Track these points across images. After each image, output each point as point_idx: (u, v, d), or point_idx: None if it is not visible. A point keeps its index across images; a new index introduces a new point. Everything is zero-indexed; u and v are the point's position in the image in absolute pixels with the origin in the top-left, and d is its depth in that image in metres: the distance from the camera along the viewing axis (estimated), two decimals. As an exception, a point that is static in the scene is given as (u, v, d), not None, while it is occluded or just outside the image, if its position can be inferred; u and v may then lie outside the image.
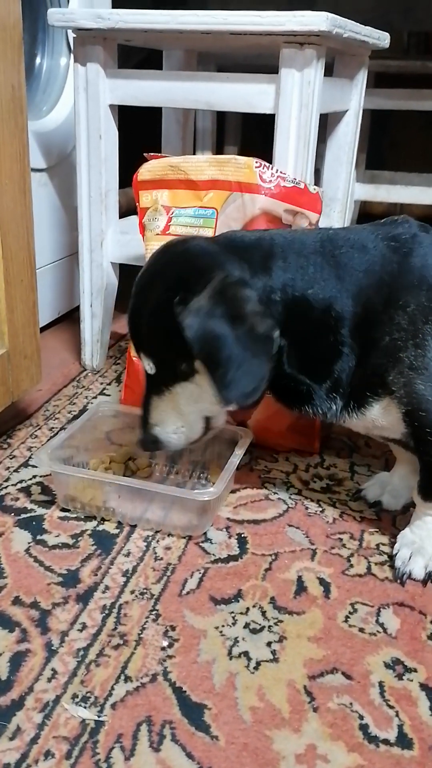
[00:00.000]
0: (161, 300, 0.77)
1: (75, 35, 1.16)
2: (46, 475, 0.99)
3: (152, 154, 1.10)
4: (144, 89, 1.15)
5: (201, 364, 0.77)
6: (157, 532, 0.89)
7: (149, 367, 0.82)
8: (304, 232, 0.85)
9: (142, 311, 0.81)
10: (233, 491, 0.99)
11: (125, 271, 1.34)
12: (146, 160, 1.10)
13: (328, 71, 1.13)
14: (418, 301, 0.76)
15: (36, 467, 1.02)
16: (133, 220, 1.37)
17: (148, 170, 1.08)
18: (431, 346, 0.75)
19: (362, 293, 0.78)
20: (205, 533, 0.89)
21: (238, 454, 0.93)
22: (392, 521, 0.94)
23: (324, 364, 0.79)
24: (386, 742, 0.63)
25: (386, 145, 2.61)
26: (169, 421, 0.84)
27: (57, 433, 1.12)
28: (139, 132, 1.58)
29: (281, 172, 1.01)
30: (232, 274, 0.76)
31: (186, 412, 0.83)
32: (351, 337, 0.77)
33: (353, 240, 0.80)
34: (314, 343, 0.79)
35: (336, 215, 1.38)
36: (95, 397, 1.25)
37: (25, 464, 1.03)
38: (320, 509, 0.96)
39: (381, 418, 0.80)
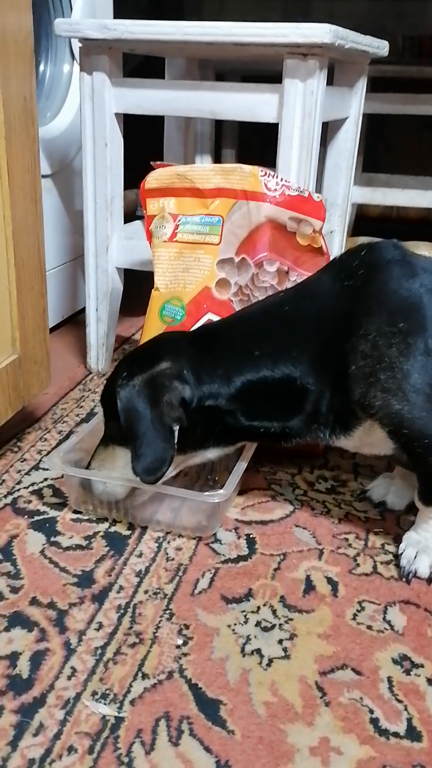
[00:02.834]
0: (117, 375, 0.87)
1: (81, 45, 1.18)
2: (57, 478, 1.01)
3: (158, 162, 1.12)
4: (149, 98, 1.18)
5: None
6: (167, 533, 0.91)
7: (104, 423, 0.91)
8: (251, 310, 0.93)
9: (109, 379, 0.90)
10: (240, 492, 1.01)
11: (129, 275, 1.37)
12: (149, 166, 1.13)
13: (329, 79, 1.16)
14: (378, 328, 0.79)
15: (47, 470, 1.04)
16: (138, 225, 1.39)
17: (155, 178, 1.10)
18: (401, 367, 0.77)
19: (316, 334, 0.83)
20: (214, 534, 0.92)
21: (246, 457, 0.95)
22: (396, 521, 0.96)
23: (289, 405, 0.84)
24: (396, 734, 0.65)
25: (381, 148, 2.65)
26: (105, 471, 0.91)
27: (66, 437, 1.14)
28: (140, 136, 1.60)
29: (286, 181, 1.03)
30: (175, 366, 0.84)
31: (116, 469, 0.89)
32: (315, 374, 0.82)
33: (301, 292, 0.88)
34: (272, 395, 0.84)
35: (336, 220, 1.41)
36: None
37: (36, 467, 1.05)
38: (326, 510, 0.98)
39: (367, 438, 0.84)
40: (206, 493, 0.91)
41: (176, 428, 0.83)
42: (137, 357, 0.89)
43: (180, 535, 0.91)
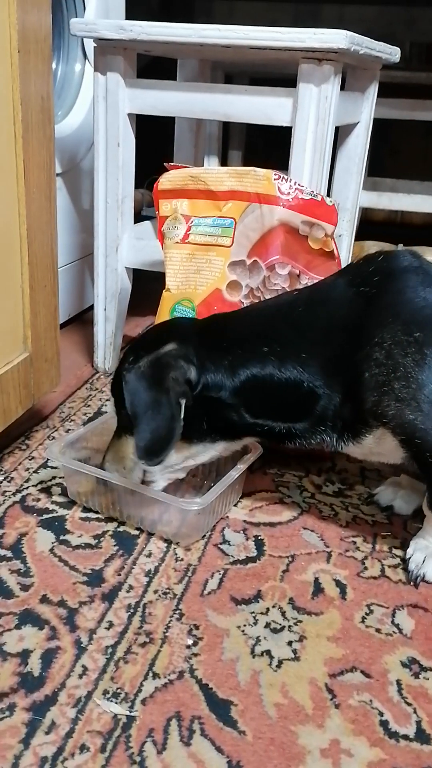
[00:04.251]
0: (125, 361, 0.87)
1: (96, 45, 1.18)
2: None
3: (171, 164, 1.13)
4: (163, 99, 1.18)
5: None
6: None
7: (114, 413, 0.92)
8: (262, 306, 0.95)
9: (117, 368, 0.90)
10: (248, 494, 1.01)
11: (137, 275, 1.37)
12: (155, 166, 1.13)
13: (341, 84, 1.16)
14: (393, 336, 0.78)
15: (55, 468, 1.04)
16: (148, 225, 1.40)
17: (168, 180, 1.10)
18: (415, 377, 0.77)
19: (328, 340, 0.83)
20: (223, 535, 0.92)
21: (239, 468, 0.94)
22: (403, 525, 0.97)
23: (296, 407, 0.84)
24: (406, 737, 0.66)
25: (386, 153, 2.65)
26: (117, 462, 0.91)
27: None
28: (145, 136, 1.61)
29: (299, 185, 1.04)
30: (181, 348, 0.84)
31: (128, 458, 0.89)
32: (324, 379, 0.82)
33: (315, 296, 0.88)
34: (278, 395, 0.84)
35: (345, 224, 1.41)
36: (109, 399, 1.27)
37: (44, 465, 1.05)
38: (333, 513, 0.99)
39: (377, 446, 0.84)
40: (182, 499, 0.89)
41: (183, 402, 0.83)
42: (144, 341, 0.89)
43: (162, 538, 0.90)
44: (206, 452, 0.90)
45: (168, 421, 0.81)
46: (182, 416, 0.83)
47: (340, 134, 1.38)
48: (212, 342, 0.86)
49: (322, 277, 1.01)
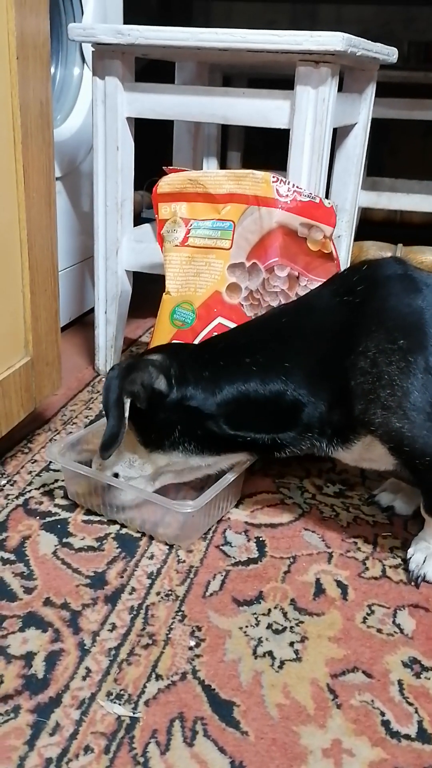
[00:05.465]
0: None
1: (94, 49, 1.18)
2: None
3: (170, 167, 1.13)
4: (161, 102, 1.18)
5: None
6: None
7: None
8: (251, 321, 0.97)
9: None
10: (249, 496, 1.02)
11: (137, 277, 1.37)
12: (154, 168, 1.13)
13: (339, 85, 1.17)
14: (378, 345, 0.78)
15: (58, 471, 1.04)
16: (147, 228, 1.40)
17: (167, 183, 1.11)
18: (401, 385, 0.77)
19: (312, 348, 0.84)
20: (224, 536, 0.93)
21: (235, 471, 0.94)
22: (403, 525, 0.97)
23: (280, 416, 0.84)
24: (407, 737, 0.66)
25: (385, 152, 2.65)
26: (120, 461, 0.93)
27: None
28: (144, 138, 1.61)
29: (297, 187, 1.04)
30: (162, 360, 0.86)
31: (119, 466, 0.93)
32: (309, 387, 0.82)
33: (300, 307, 0.90)
34: (261, 405, 0.84)
35: (344, 225, 1.42)
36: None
37: (47, 468, 1.06)
38: (334, 513, 0.99)
39: (366, 453, 0.84)
40: (176, 502, 0.88)
41: (127, 401, 0.84)
42: (140, 354, 0.91)
43: (163, 542, 0.91)
44: (184, 466, 0.91)
45: (114, 421, 0.84)
46: (126, 414, 0.85)
47: (339, 135, 1.38)
48: (198, 356, 0.88)
49: (321, 279, 1.02)
